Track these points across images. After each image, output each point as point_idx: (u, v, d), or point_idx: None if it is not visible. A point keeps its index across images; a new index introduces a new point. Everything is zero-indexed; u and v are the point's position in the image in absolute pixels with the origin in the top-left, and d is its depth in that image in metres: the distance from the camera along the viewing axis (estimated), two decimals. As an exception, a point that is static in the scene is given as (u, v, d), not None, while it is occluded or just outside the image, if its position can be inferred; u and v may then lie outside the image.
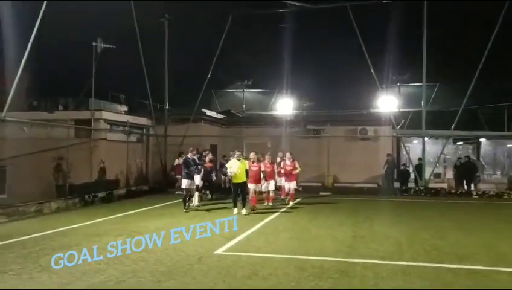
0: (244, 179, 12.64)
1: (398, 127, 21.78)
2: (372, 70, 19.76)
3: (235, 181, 12.68)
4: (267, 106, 31.79)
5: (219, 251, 7.87)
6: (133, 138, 20.55)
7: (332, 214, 12.78)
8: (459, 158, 21.78)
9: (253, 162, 13.52)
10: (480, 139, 25.87)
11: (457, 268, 6.94)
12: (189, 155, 13.84)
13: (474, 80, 18.75)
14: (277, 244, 8.54)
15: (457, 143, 27.47)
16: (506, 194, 18.17)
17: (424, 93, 20.12)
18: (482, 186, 20.22)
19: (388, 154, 19.30)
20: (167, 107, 21.60)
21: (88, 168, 17.15)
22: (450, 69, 28.59)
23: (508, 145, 28.41)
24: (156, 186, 19.70)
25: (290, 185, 14.85)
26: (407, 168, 20.18)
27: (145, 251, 7.80)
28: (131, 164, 19.54)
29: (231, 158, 14.11)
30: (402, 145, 21.32)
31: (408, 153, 20.64)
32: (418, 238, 9.40)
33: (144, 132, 21.53)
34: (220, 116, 24.21)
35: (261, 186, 14.22)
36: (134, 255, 7.52)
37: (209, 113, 22.91)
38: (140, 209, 13.58)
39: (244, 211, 12.35)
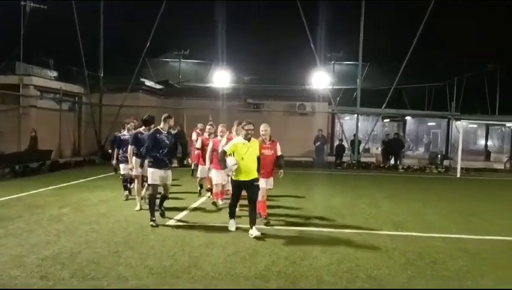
0: (255, 175, 7.24)
1: (334, 104, 22.69)
2: (312, 46, 20.28)
3: (238, 178, 7.19)
4: (204, 78, 31.36)
5: (171, 222, 7.92)
6: (65, 106, 19.47)
7: (275, 187, 13.21)
8: (387, 134, 23.29)
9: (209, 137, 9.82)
10: (406, 118, 27.72)
11: (395, 235, 7.62)
12: (127, 129, 9.99)
13: (406, 61, 19.96)
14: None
15: (385, 120, 29.23)
16: (428, 169, 19.89)
17: (359, 72, 21.09)
18: (407, 161, 21.89)
19: (319, 130, 20.17)
20: (102, 75, 20.63)
21: (17, 137, 16.07)
22: (381, 50, 30.07)
23: (429, 124, 30.81)
24: (90, 158, 18.96)
25: (266, 183, 8.12)
26: (343, 143, 21.20)
27: (95, 223, 7.63)
28: (63, 134, 18.57)
29: (231, 134, 8.85)
30: (338, 121, 22.28)
31: (343, 129, 21.63)
32: (356, 208, 10.13)
33: (77, 100, 20.46)
34: (158, 86, 23.59)
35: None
36: (85, 226, 7.34)
37: (148, 83, 22.24)
38: (76, 181, 13.06)
39: (254, 232, 7.02)
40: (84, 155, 19.35)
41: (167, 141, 7.80)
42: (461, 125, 18.90)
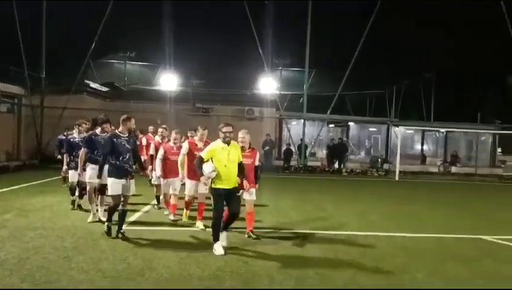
0: (236, 183, 6.63)
1: (282, 109, 23.27)
2: (260, 51, 20.72)
3: (218, 186, 6.52)
4: (151, 81, 30.87)
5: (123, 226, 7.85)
6: (3, 107, 18.53)
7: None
8: (332, 139, 24.19)
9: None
10: (349, 123, 28.90)
11: (340, 234, 8.07)
12: (74, 132, 9.45)
13: (349, 68, 20.91)
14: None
15: (329, 126, 30.31)
16: (369, 172, 20.91)
17: (306, 79, 21.82)
18: (350, 165, 22.87)
19: (267, 135, 20.66)
20: (44, 76, 19.85)
21: None
22: (326, 58, 31.18)
23: (370, 129, 32.28)
24: (30, 162, 18.15)
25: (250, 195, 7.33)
26: (290, 148, 21.78)
27: (41, 228, 7.41)
28: (1, 137, 17.65)
29: (194, 139, 8.44)
30: (286, 126, 22.87)
31: (290, 134, 22.23)
32: (303, 210, 10.55)
33: (16, 102, 19.51)
34: (104, 88, 23.01)
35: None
36: (31, 232, 7.12)
37: (93, 85, 21.65)
38: (16, 186, 12.48)
39: (223, 239, 6.58)
40: (24, 159, 18.49)
41: (128, 146, 6.91)
42: (400, 131, 20.07)
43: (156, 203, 9.94)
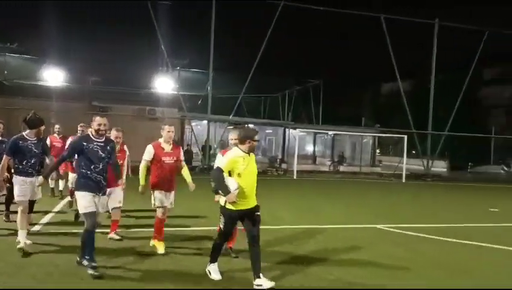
0: (255, 200, 5.37)
1: (186, 110, 23.29)
2: (164, 51, 20.56)
3: (235, 207, 5.17)
4: (37, 75, 28.43)
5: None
6: None
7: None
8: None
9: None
10: (249, 125, 29.91)
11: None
12: None
13: (252, 72, 21.77)
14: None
15: (228, 127, 31.05)
16: (269, 172, 22.01)
17: (210, 80, 22.16)
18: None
19: (169, 136, 20.63)
20: None
21: None
22: (226, 61, 31.92)
23: (267, 131, 33.80)
24: None
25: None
26: (191, 149, 21.92)
27: None
28: None
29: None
30: (191, 127, 22.97)
31: (195, 134, 22.39)
32: (211, 209, 10.83)
33: None
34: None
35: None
36: None
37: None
38: None
39: (264, 283, 5.11)
40: None
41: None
42: (297, 133, 21.50)
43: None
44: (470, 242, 8.22)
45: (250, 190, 5.24)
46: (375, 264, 6.45)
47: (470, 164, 37.11)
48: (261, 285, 5.05)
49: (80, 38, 25.10)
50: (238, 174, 5.15)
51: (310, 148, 34.39)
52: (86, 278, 5.16)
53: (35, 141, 6.39)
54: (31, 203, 6.52)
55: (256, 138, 5.30)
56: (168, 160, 6.52)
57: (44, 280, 5.08)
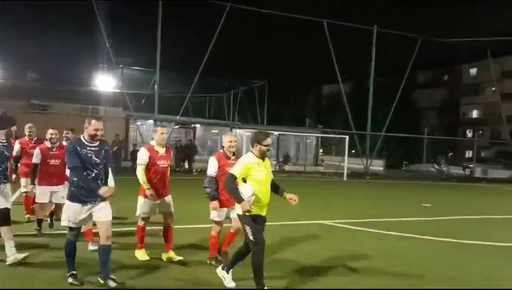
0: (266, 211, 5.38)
1: (132, 109, 22.90)
2: (107, 44, 20.12)
3: (256, 212, 5.12)
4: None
5: None
6: None
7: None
8: (179, 140, 24.79)
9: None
10: (196, 125, 29.95)
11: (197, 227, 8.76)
12: None
13: (199, 72, 21.87)
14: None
15: (174, 127, 30.85)
16: (218, 171, 22.19)
17: (158, 79, 21.98)
18: (198, 165, 23.78)
19: (116, 135, 20.25)
20: None
21: None
22: (170, 60, 31.69)
23: (213, 131, 33.95)
24: None
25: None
26: (137, 148, 21.58)
27: None
28: None
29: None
30: (136, 126, 22.61)
31: (141, 134, 22.09)
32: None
33: None
34: None
35: None
36: None
37: None
38: None
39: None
40: None
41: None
42: (244, 134, 21.85)
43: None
44: (406, 235, 8.96)
45: (264, 197, 5.12)
46: (322, 256, 6.92)
47: (404, 162, 39.49)
48: (224, 279, 5.31)
49: (18, 31, 23.87)
50: (254, 180, 5.00)
51: (255, 148, 34.92)
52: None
53: (6, 144, 5.79)
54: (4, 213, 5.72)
55: (264, 142, 5.03)
56: (162, 164, 6.17)
57: None
